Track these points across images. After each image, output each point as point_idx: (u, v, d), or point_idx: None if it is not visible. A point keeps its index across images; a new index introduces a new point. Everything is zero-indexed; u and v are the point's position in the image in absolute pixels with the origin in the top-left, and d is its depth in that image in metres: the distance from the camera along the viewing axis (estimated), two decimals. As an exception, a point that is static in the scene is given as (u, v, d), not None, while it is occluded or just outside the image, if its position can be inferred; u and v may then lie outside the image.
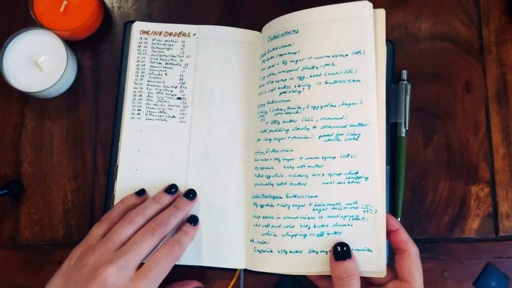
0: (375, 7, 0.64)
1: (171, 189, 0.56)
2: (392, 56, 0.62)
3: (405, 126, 0.61)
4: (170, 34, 0.61)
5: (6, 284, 0.59)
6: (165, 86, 0.60)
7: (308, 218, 0.53)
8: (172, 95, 0.60)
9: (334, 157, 0.53)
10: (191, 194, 0.56)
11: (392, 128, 0.61)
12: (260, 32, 0.61)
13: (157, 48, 0.61)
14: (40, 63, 0.59)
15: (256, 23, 0.64)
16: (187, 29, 0.61)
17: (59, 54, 0.59)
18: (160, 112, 0.59)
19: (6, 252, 0.60)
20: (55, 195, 0.61)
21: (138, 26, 0.61)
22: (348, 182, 0.53)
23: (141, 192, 0.56)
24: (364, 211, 0.52)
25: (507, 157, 0.62)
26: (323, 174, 0.53)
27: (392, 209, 0.60)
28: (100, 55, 0.63)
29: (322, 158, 0.53)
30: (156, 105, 0.59)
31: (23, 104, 0.62)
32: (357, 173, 0.53)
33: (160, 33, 0.61)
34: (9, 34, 0.58)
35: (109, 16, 0.64)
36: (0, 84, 0.60)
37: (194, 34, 0.61)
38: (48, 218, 0.60)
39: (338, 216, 0.53)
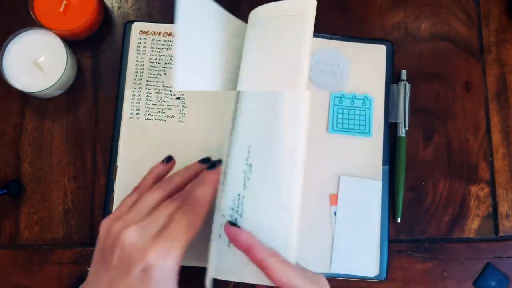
0: (375, 7, 0.65)
1: (205, 160, 0.52)
2: (391, 56, 0.62)
3: (404, 126, 0.61)
4: (169, 34, 0.61)
5: (6, 284, 0.59)
6: (164, 86, 0.60)
7: None
8: (171, 95, 0.60)
9: None
10: (214, 166, 0.50)
11: (392, 128, 0.61)
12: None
13: (156, 48, 0.61)
14: (40, 63, 0.59)
15: (256, 23, 0.64)
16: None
17: (59, 54, 0.59)
18: (159, 112, 0.59)
19: (6, 252, 0.60)
20: (55, 195, 0.61)
21: (137, 27, 0.61)
22: None
23: (168, 159, 0.52)
24: None
25: (507, 157, 0.62)
26: None
27: (392, 209, 0.60)
28: (100, 55, 0.63)
29: None
30: (155, 105, 0.60)
31: (23, 104, 0.62)
32: None
33: (159, 34, 0.61)
34: (9, 34, 0.58)
35: (109, 16, 0.64)
36: (0, 84, 0.60)
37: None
38: (48, 218, 0.60)
39: None
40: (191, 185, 0.49)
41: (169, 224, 0.45)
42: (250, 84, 0.50)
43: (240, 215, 0.48)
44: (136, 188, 0.51)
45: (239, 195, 0.48)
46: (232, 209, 0.48)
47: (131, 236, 0.44)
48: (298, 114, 0.46)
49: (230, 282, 0.58)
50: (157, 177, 0.51)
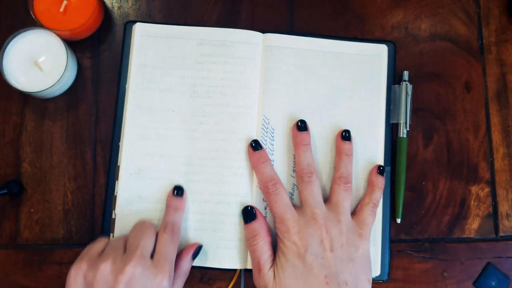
0: (375, 7, 0.65)
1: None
2: (393, 57, 0.62)
3: (406, 127, 0.61)
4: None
5: (6, 284, 0.59)
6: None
7: None
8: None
9: None
10: (178, 190, 0.57)
11: (392, 129, 0.61)
12: (261, 32, 0.61)
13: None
14: (40, 63, 0.59)
15: (256, 23, 0.64)
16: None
17: (59, 54, 0.58)
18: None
19: (6, 252, 0.60)
20: (55, 195, 0.61)
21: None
22: None
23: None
24: None
25: (507, 157, 0.62)
26: None
27: (392, 209, 0.60)
28: (100, 55, 0.63)
29: None
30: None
31: (23, 104, 0.62)
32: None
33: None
34: (9, 34, 0.58)
35: (109, 16, 0.64)
36: (0, 84, 0.60)
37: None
38: (48, 218, 0.60)
39: None
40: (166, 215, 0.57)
41: (161, 250, 0.52)
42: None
43: None
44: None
45: None
46: None
47: (137, 269, 0.49)
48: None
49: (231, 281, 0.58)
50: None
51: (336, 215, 0.55)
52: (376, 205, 0.57)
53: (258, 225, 0.55)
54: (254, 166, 0.58)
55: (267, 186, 0.56)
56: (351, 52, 0.61)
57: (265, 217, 0.57)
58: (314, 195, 0.55)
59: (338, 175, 0.57)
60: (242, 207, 0.57)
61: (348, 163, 0.57)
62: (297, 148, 0.58)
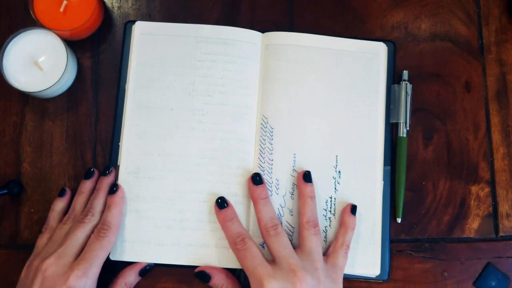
0: (375, 7, 0.65)
1: (89, 174, 0.58)
2: (393, 56, 0.62)
3: (405, 127, 0.61)
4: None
5: (6, 284, 0.59)
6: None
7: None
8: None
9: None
10: (107, 171, 0.58)
11: (392, 129, 0.61)
12: (261, 32, 0.61)
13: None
14: (40, 63, 0.59)
15: (256, 23, 0.64)
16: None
17: (59, 54, 0.59)
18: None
19: (6, 252, 0.60)
20: (55, 195, 0.61)
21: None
22: None
23: (62, 193, 0.59)
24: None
25: (507, 157, 0.62)
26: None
27: (392, 209, 0.60)
28: (100, 55, 0.63)
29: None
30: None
31: (23, 104, 0.62)
32: None
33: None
34: (9, 34, 0.58)
35: (109, 16, 0.64)
36: (0, 84, 0.60)
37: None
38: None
39: None
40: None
41: (84, 252, 0.52)
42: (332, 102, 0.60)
43: (333, 215, 0.58)
44: (44, 228, 0.57)
45: (331, 197, 0.58)
46: (325, 209, 0.58)
47: (51, 267, 0.50)
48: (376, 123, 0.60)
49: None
50: (60, 212, 0.58)
51: (312, 262, 0.53)
52: (348, 247, 0.56)
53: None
54: (221, 222, 0.56)
55: (235, 243, 0.54)
56: (350, 49, 0.61)
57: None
58: (285, 246, 0.53)
59: (306, 220, 0.55)
60: (242, 207, 0.57)
61: (313, 206, 0.56)
62: (256, 203, 0.56)
